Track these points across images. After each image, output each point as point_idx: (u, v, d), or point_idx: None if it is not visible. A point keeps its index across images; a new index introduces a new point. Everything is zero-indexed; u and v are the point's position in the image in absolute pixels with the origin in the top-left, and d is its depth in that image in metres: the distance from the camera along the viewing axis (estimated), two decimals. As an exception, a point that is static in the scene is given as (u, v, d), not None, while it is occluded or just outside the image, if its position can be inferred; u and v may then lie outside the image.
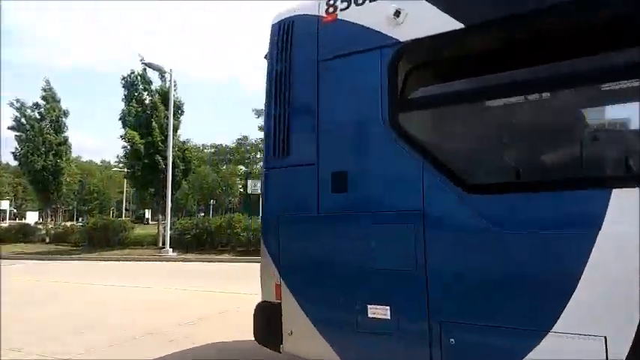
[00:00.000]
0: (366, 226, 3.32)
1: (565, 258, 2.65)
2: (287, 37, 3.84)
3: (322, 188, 3.55)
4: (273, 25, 3.94)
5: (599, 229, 2.54)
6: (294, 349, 3.63)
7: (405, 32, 3.26)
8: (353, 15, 3.49)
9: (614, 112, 3.23)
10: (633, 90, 2.82)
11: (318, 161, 3.58)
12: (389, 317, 3.21)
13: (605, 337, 2.51)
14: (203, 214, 60.73)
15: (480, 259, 2.91)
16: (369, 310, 3.29)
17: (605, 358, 2.51)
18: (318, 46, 3.67)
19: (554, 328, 2.65)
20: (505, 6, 2.95)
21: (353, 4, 3.49)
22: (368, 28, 3.42)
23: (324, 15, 3.63)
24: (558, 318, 2.64)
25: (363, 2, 3.45)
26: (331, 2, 3.59)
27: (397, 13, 3.27)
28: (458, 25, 3.05)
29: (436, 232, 3.04)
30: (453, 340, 2.97)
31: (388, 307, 3.22)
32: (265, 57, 4.29)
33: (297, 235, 3.70)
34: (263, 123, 4.08)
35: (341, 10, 3.55)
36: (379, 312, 3.25)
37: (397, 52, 3.28)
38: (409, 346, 3.13)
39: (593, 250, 2.56)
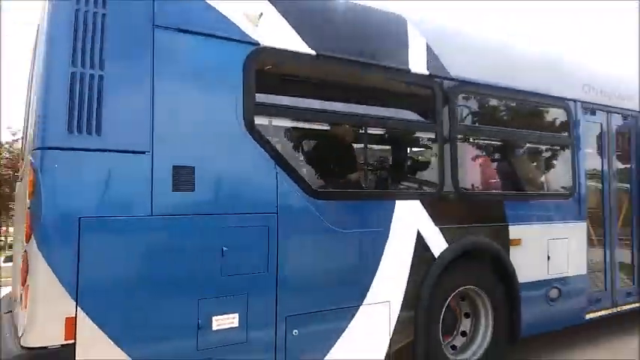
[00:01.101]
0: (217, 229, 3.01)
1: (373, 249, 3.64)
2: None
3: (158, 184, 2.85)
4: None
5: (390, 227, 3.71)
6: None
7: (264, 36, 3.26)
8: None
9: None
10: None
11: (153, 150, 2.85)
12: (236, 325, 3.07)
13: (389, 302, 3.70)
14: None
15: (323, 255, 3.41)
16: (214, 323, 3.00)
17: (389, 314, 3.69)
18: (153, 5, 2.92)
19: (365, 301, 3.57)
20: (347, 50, 3.61)
21: None
22: (224, 15, 3.13)
23: None
24: (367, 292, 3.58)
25: None
26: None
27: (261, 15, 3.23)
28: (309, 51, 3.43)
29: (288, 233, 3.25)
30: (296, 331, 3.27)
31: (237, 314, 3.07)
32: None
33: (115, 244, 2.71)
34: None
35: None
36: (227, 321, 3.04)
37: (257, 53, 3.22)
38: (256, 346, 3.13)
39: (387, 242, 3.69)
